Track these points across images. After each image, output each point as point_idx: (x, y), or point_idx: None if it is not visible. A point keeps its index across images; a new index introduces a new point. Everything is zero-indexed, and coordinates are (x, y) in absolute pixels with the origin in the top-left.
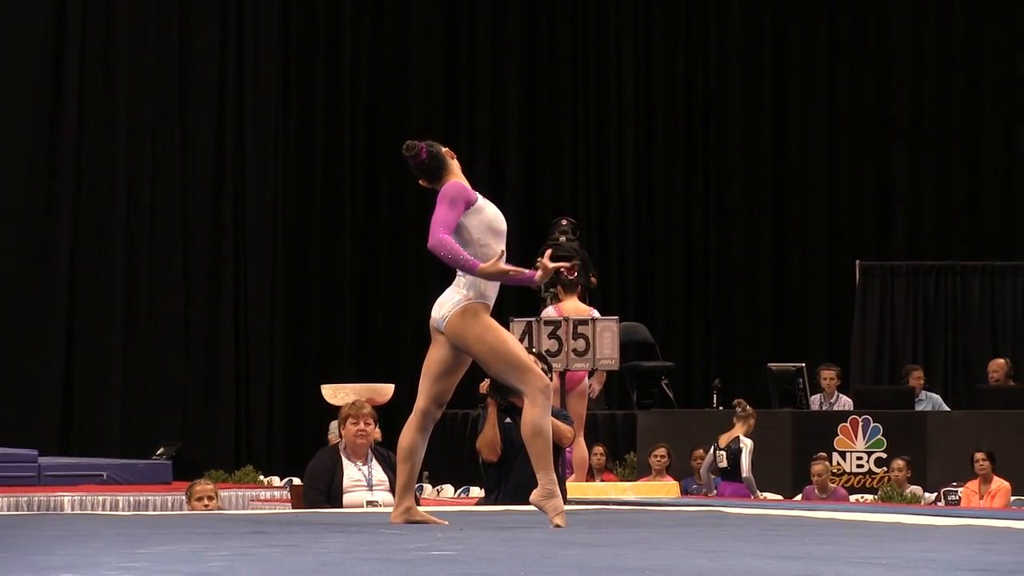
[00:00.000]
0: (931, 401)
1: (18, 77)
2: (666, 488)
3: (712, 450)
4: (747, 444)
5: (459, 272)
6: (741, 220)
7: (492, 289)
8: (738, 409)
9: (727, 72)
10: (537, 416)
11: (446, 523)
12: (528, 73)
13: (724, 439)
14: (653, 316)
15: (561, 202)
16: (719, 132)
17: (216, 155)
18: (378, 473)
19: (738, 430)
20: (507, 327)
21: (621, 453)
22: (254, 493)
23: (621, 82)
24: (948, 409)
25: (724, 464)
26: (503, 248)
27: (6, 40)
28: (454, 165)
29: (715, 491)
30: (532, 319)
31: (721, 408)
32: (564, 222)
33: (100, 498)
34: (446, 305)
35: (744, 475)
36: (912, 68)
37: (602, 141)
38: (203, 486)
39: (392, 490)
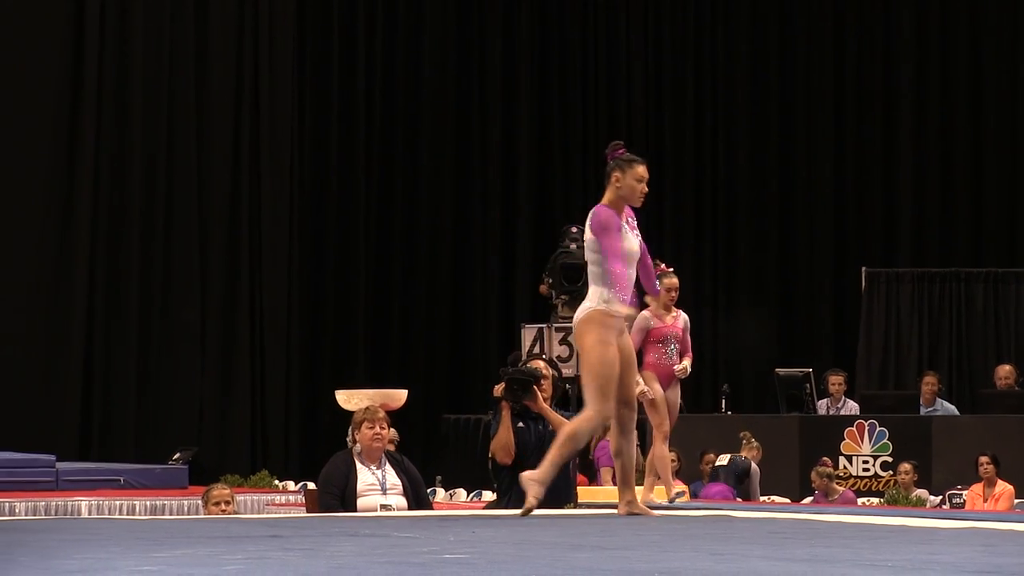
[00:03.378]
0: (945, 411)
1: (37, 88)
2: None
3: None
4: (757, 472)
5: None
6: (749, 228)
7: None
8: (744, 441)
9: (734, 83)
10: (577, 426)
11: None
12: (539, 79)
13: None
14: None
15: (571, 208)
16: (726, 142)
17: (232, 164)
18: (392, 477)
19: (746, 453)
20: (519, 333)
21: None
22: (269, 497)
23: (631, 93)
24: (957, 414)
25: (724, 463)
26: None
27: (25, 55)
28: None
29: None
30: (543, 325)
31: (730, 413)
32: (574, 229)
33: (117, 502)
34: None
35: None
36: (917, 76)
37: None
38: (220, 491)
39: (405, 494)
